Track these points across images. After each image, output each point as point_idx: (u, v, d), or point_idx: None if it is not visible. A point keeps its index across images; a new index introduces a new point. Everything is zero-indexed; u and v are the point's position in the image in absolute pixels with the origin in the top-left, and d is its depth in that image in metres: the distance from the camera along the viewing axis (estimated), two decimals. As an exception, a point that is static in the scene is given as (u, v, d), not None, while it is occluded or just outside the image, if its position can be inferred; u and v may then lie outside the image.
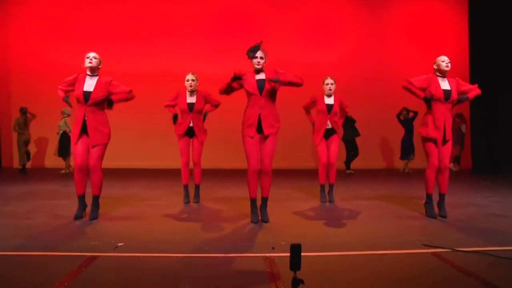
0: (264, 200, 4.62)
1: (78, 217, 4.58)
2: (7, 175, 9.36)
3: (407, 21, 11.41)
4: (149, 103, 10.38)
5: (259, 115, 4.39)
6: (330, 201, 5.86)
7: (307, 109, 6.06)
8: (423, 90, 4.72)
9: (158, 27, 10.99)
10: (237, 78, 4.34)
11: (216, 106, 5.79)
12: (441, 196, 4.89)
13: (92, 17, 10.90)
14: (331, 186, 5.93)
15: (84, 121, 4.45)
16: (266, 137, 4.42)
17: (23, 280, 2.86)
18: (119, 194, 6.42)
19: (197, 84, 5.63)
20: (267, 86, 4.37)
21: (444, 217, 4.79)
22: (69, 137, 8.91)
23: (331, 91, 5.71)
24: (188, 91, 5.59)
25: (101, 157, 4.55)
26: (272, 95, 4.44)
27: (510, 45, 9.67)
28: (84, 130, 4.48)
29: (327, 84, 5.72)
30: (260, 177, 4.50)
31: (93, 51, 4.67)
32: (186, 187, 5.81)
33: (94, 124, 4.46)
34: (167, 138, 8.82)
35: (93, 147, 4.46)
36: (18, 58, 10.90)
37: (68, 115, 9.62)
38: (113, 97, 4.53)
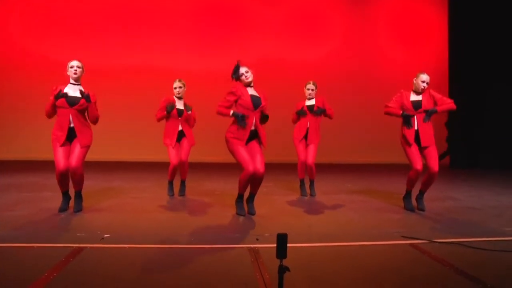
0: (252, 195, 4.69)
1: (63, 209, 4.60)
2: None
3: (390, 18, 11.59)
4: (134, 97, 10.40)
5: (252, 131, 4.45)
6: (311, 195, 5.96)
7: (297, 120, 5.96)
8: (401, 108, 4.88)
9: (144, 21, 10.89)
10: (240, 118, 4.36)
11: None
12: (421, 192, 5.05)
13: (77, 8, 10.73)
14: (312, 181, 6.03)
15: (70, 127, 4.43)
16: (254, 142, 4.49)
17: (10, 271, 2.87)
18: (102, 187, 6.42)
19: (185, 90, 5.64)
20: (263, 103, 4.44)
21: (422, 210, 4.96)
22: None
23: (311, 96, 5.83)
24: (176, 97, 5.61)
25: (83, 159, 4.54)
26: (262, 111, 4.51)
27: (489, 43, 9.94)
28: (67, 136, 4.46)
29: (308, 89, 5.82)
30: (253, 179, 4.50)
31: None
32: (170, 182, 5.85)
33: (80, 127, 4.47)
34: (151, 131, 8.82)
35: (81, 147, 4.46)
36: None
37: None
38: (90, 108, 4.54)
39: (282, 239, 2.08)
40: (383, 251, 3.50)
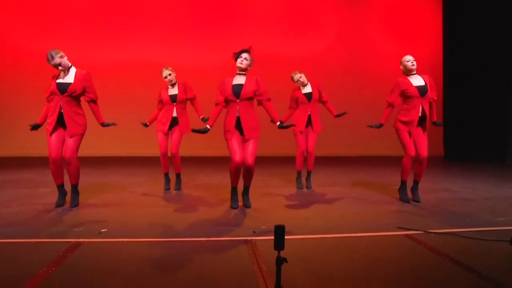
0: (246, 188, 4.72)
1: (59, 204, 4.59)
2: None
3: (385, 14, 11.58)
4: (127, 91, 10.35)
5: (238, 118, 4.46)
6: (307, 187, 5.98)
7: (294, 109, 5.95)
8: (401, 94, 4.97)
9: (135, 15, 10.80)
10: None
11: (192, 99, 5.72)
12: (415, 183, 5.10)
13: (70, 4, 10.64)
14: (309, 173, 6.04)
15: (60, 112, 4.41)
16: (247, 139, 4.49)
17: (8, 267, 2.88)
18: (98, 182, 6.41)
19: (175, 75, 5.63)
20: (244, 91, 4.43)
21: (417, 201, 5.00)
22: None
23: (303, 81, 5.79)
24: (169, 85, 5.63)
25: (77, 148, 4.52)
26: (249, 99, 4.48)
27: (484, 38, 9.96)
28: (58, 121, 4.44)
29: (296, 74, 5.79)
30: (243, 170, 4.55)
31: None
32: (166, 175, 5.84)
33: (70, 115, 4.44)
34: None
35: (70, 137, 4.44)
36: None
37: None
38: (100, 120, 4.74)
39: (279, 231, 2.10)
40: (379, 242, 3.53)
